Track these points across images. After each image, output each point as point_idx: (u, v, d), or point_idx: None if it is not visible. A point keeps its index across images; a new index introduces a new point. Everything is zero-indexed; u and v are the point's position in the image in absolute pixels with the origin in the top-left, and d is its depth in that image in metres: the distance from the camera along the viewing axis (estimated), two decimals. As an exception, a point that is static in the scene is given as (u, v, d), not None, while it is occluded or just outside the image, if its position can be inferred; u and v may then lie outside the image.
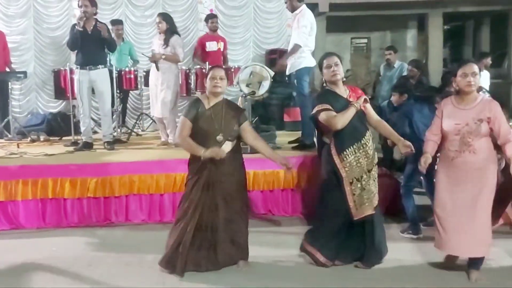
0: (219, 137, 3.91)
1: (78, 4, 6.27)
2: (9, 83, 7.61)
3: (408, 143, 4.01)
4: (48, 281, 4.02)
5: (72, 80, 6.79)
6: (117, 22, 8.41)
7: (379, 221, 4.16)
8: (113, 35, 7.19)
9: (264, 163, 5.45)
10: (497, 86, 9.76)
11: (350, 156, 3.98)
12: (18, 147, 6.57)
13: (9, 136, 7.52)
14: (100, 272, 4.16)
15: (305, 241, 4.29)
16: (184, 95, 7.66)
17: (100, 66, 6.33)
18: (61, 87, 7.34)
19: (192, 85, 7.44)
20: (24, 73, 7.94)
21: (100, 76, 6.35)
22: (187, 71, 7.51)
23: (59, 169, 5.37)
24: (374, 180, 4.07)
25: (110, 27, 7.12)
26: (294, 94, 6.45)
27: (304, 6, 5.96)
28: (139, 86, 8.05)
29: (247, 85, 6.19)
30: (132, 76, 7.69)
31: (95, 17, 6.34)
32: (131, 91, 8.62)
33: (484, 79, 6.44)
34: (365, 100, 4.11)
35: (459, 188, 3.79)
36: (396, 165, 6.54)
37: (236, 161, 4.05)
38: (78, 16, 6.31)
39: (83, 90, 6.29)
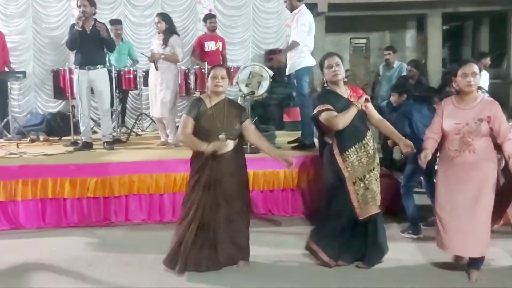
0: (221, 136, 3.91)
1: (77, 4, 6.26)
2: (8, 83, 7.60)
3: (409, 142, 4.01)
4: (48, 281, 4.02)
5: (71, 80, 6.78)
6: (116, 22, 8.39)
7: (381, 220, 4.17)
8: (112, 35, 7.18)
9: (264, 163, 5.46)
10: (496, 86, 9.77)
11: (352, 156, 3.99)
12: (17, 147, 6.57)
13: (9, 136, 7.51)
14: (100, 272, 4.15)
15: (310, 240, 4.30)
16: (184, 95, 7.66)
17: (99, 66, 6.32)
18: (60, 87, 7.34)
19: (192, 85, 7.43)
20: (23, 73, 7.93)
21: (99, 76, 6.34)
22: (186, 71, 7.51)
23: (59, 169, 5.37)
24: (376, 180, 4.07)
25: (109, 27, 7.09)
26: (294, 94, 6.43)
27: (303, 6, 5.96)
28: (138, 86, 8.04)
29: (247, 85, 6.19)
30: (131, 76, 7.68)
31: (94, 17, 6.33)
32: (130, 91, 8.60)
33: (483, 79, 6.44)
34: (366, 100, 4.12)
35: (459, 188, 3.79)
36: (396, 165, 6.56)
37: (238, 160, 4.05)
38: (77, 16, 6.30)
39: (82, 90, 6.29)
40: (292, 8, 6.00)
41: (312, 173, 5.53)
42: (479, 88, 4.06)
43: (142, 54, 7.55)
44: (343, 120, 3.94)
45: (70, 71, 6.85)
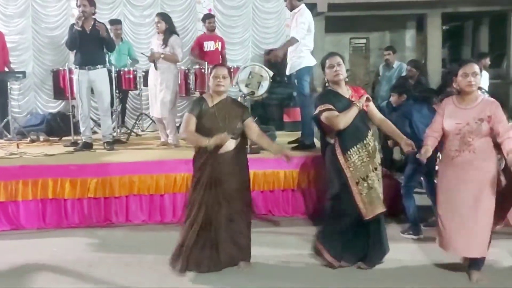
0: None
1: (77, 3, 6.26)
2: (8, 83, 7.59)
3: (410, 141, 4.01)
4: (49, 282, 4.02)
5: (71, 80, 6.78)
6: (115, 22, 8.39)
7: (383, 220, 4.17)
8: (111, 35, 7.18)
9: (264, 163, 5.47)
10: (496, 87, 9.77)
11: (354, 155, 3.99)
12: (17, 147, 6.57)
13: (9, 136, 7.51)
14: (101, 272, 4.15)
15: (317, 240, 4.32)
16: (184, 95, 7.67)
17: (99, 66, 6.32)
18: (60, 87, 7.34)
19: (191, 85, 7.44)
20: (23, 73, 7.92)
21: (99, 76, 6.34)
22: (186, 71, 7.51)
23: (59, 169, 5.37)
24: (379, 180, 4.07)
25: (108, 26, 7.09)
26: (295, 94, 6.42)
27: (303, 5, 5.95)
28: (138, 86, 8.03)
29: (246, 85, 6.18)
30: (131, 76, 7.68)
31: (93, 16, 6.33)
32: (130, 91, 8.60)
33: (484, 79, 6.44)
34: (367, 99, 4.11)
35: (459, 188, 3.79)
36: (396, 166, 6.56)
37: (239, 160, 4.04)
38: (76, 16, 6.29)
39: (82, 90, 6.28)
40: (292, 8, 5.99)
41: (313, 173, 5.53)
42: (479, 88, 4.05)
43: (142, 54, 7.54)
44: (344, 119, 3.94)
45: (70, 71, 6.85)
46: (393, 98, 5.91)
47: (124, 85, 7.66)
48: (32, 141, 7.30)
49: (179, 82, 7.08)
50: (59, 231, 5.19)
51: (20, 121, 8.37)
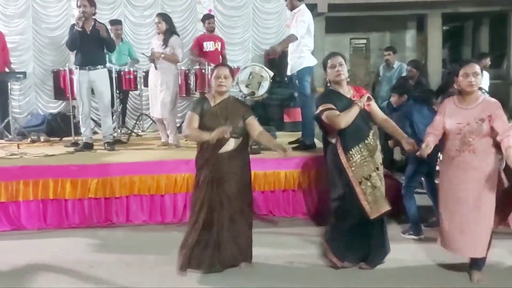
0: (227, 135, 3.90)
1: (77, 4, 6.26)
2: (9, 84, 7.59)
3: (411, 140, 4.02)
4: (50, 282, 4.02)
5: (71, 80, 6.78)
6: (116, 22, 8.39)
7: (386, 220, 4.18)
8: (112, 35, 7.18)
9: (265, 164, 5.47)
10: (496, 87, 9.76)
11: (356, 155, 3.98)
12: (18, 147, 6.57)
13: (9, 136, 7.51)
14: (101, 272, 4.16)
15: (324, 241, 4.33)
16: (184, 95, 7.68)
17: (99, 66, 6.32)
18: (61, 88, 7.35)
19: (192, 86, 7.44)
20: (24, 73, 7.91)
21: (100, 77, 6.34)
22: (187, 71, 7.52)
23: (60, 169, 5.36)
24: (381, 180, 4.07)
25: (109, 27, 7.10)
26: (296, 94, 6.41)
27: (303, 6, 5.95)
28: (138, 87, 8.04)
29: (247, 86, 6.19)
30: (131, 76, 7.68)
31: (94, 17, 6.33)
32: (130, 92, 8.61)
33: (484, 80, 6.44)
34: (368, 99, 4.11)
35: (459, 188, 3.80)
36: (396, 166, 6.56)
37: (241, 160, 4.03)
38: (77, 16, 6.29)
39: (83, 90, 6.28)
40: (292, 8, 5.99)
41: (314, 173, 5.53)
42: (480, 88, 4.05)
43: (142, 54, 7.55)
44: (345, 119, 3.94)
45: (70, 72, 6.85)
46: (394, 99, 5.90)
47: (125, 86, 7.66)
48: (33, 141, 7.31)
49: (180, 83, 7.08)
50: (59, 232, 5.19)
51: (21, 121, 8.37)
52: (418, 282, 3.93)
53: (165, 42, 6.47)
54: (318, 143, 6.09)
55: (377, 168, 4.06)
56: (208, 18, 8.37)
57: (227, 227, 3.96)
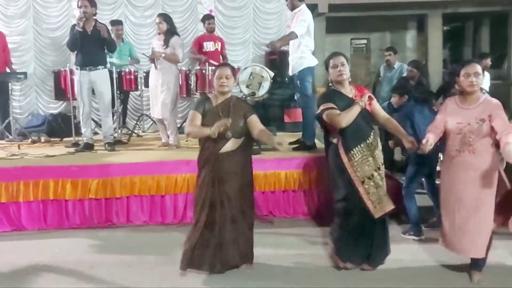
0: (227, 134, 3.90)
1: (78, 4, 6.26)
2: (10, 84, 7.60)
3: (412, 138, 4.03)
4: (50, 282, 4.02)
5: (72, 81, 6.79)
6: (116, 23, 8.41)
7: (388, 220, 4.19)
8: (112, 35, 7.19)
9: (265, 164, 5.47)
10: (496, 87, 9.76)
11: (357, 155, 3.98)
12: (19, 148, 6.58)
13: (10, 137, 7.51)
14: (102, 273, 4.16)
15: (331, 241, 4.34)
16: (184, 96, 7.68)
17: (100, 66, 6.33)
18: (61, 88, 7.35)
19: (192, 86, 7.44)
20: (24, 74, 7.91)
21: (100, 77, 6.34)
22: (187, 72, 7.52)
23: (60, 170, 5.37)
24: (382, 180, 4.07)
25: (109, 27, 7.11)
26: (297, 95, 6.40)
27: (303, 6, 5.95)
28: (139, 87, 8.03)
29: (247, 86, 6.20)
30: (132, 77, 7.68)
31: (94, 17, 6.34)
32: (131, 92, 8.61)
33: (485, 80, 6.44)
34: (370, 98, 4.11)
35: (460, 188, 3.80)
36: (397, 166, 6.56)
37: (242, 160, 4.02)
38: (77, 17, 6.29)
39: (83, 91, 6.29)
40: (292, 7, 5.99)
41: (314, 174, 5.53)
42: (480, 89, 4.05)
43: (143, 54, 7.54)
44: (346, 118, 3.93)
45: (71, 72, 6.85)
46: (394, 99, 5.90)
47: (125, 86, 7.67)
48: (33, 142, 7.31)
49: (180, 83, 7.08)
50: (60, 232, 5.20)
51: (21, 122, 8.37)
52: (419, 283, 3.93)
53: (166, 43, 6.46)
54: (319, 144, 6.09)
55: (379, 168, 4.06)
56: (208, 18, 8.37)
57: (229, 227, 3.95)
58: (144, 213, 5.43)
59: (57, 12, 9.39)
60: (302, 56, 5.91)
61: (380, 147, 4.14)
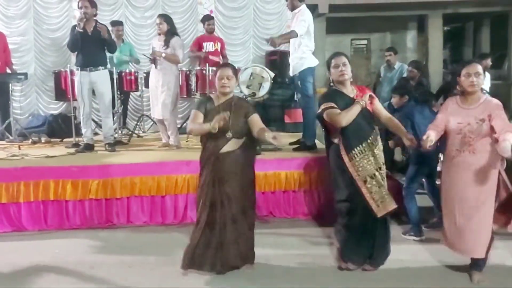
0: (228, 135, 3.90)
1: (78, 5, 6.28)
2: (10, 85, 7.60)
3: (411, 136, 4.04)
4: (51, 283, 4.02)
5: (72, 81, 6.79)
6: (117, 23, 8.42)
7: (389, 220, 4.19)
8: (113, 36, 7.19)
9: (265, 165, 5.47)
10: (497, 88, 9.77)
11: (359, 155, 3.98)
12: (19, 148, 6.57)
13: (10, 137, 7.51)
14: (102, 273, 4.16)
15: (336, 242, 4.35)
16: (185, 96, 7.68)
17: (100, 67, 6.33)
18: (62, 89, 7.35)
19: (193, 87, 7.44)
20: (25, 74, 7.91)
21: (101, 78, 6.35)
22: (188, 72, 7.52)
23: (61, 171, 5.37)
24: (383, 179, 4.07)
25: (110, 28, 7.11)
26: (298, 96, 6.40)
27: (303, 6, 5.95)
28: (139, 88, 8.03)
29: (248, 87, 6.19)
30: (132, 77, 7.69)
31: (95, 18, 6.34)
32: (131, 93, 8.62)
33: (485, 80, 6.45)
34: (371, 97, 4.11)
35: (460, 188, 3.81)
36: (397, 167, 6.55)
37: (243, 160, 4.01)
38: (78, 18, 6.29)
39: (84, 91, 6.29)
40: (293, 8, 6.00)
41: (314, 174, 5.53)
42: (481, 89, 4.05)
43: (144, 55, 7.54)
44: (347, 117, 3.93)
45: (72, 73, 6.86)
46: (395, 100, 5.89)
47: (126, 87, 7.67)
48: (34, 142, 7.31)
49: (180, 84, 7.09)
50: (60, 233, 5.20)
51: (22, 122, 8.36)
52: (419, 283, 3.93)
53: (166, 43, 6.46)
54: (319, 144, 6.10)
55: (380, 168, 4.06)
56: (207, 19, 8.38)
57: (229, 227, 3.95)
58: (145, 213, 5.43)
59: (58, 13, 9.39)
60: (302, 57, 5.92)
61: (381, 147, 4.13)
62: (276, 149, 6.02)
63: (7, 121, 7.58)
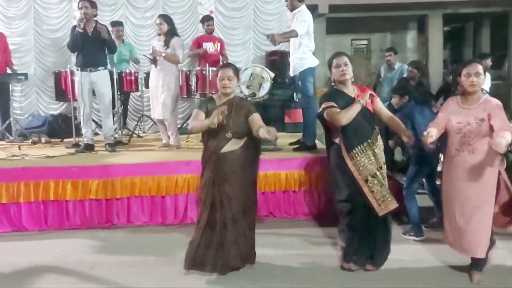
0: (228, 135, 3.91)
1: (78, 5, 6.29)
2: (10, 85, 7.61)
3: (409, 133, 4.09)
4: (51, 283, 4.02)
5: (72, 82, 6.80)
6: (117, 24, 8.44)
7: (391, 220, 4.20)
8: (113, 36, 7.20)
9: (265, 165, 5.45)
10: (497, 88, 9.77)
11: (360, 154, 3.98)
12: (19, 149, 6.58)
13: (11, 138, 7.53)
14: (102, 273, 4.16)
15: (340, 241, 4.35)
16: (185, 96, 7.68)
17: (100, 67, 6.34)
18: (62, 89, 7.36)
19: (193, 87, 7.44)
20: (25, 75, 7.94)
21: (101, 78, 6.36)
22: (188, 72, 7.52)
23: (61, 171, 5.37)
24: (384, 179, 4.07)
25: (110, 28, 7.12)
26: (299, 96, 6.40)
27: (303, 6, 5.95)
28: (139, 88, 8.03)
29: (248, 87, 6.20)
30: (132, 78, 7.69)
31: (95, 18, 6.35)
32: (132, 93, 8.62)
33: (486, 80, 6.44)
34: (372, 95, 4.11)
35: (459, 188, 3.81)
36: (397, 167, 6.55)
37: (243, 160, 3.99)
38: (78, 18, 6.30)
39: (84, 91, 6.30)
40: (292, 8, 6.00)
41: (314, 174, 5.52)
42: (481, 90, 4.05)
43: (144, 55, 7.55)
44: (346, 115, 3.93)
45: (72, 73, 6.87)
46: (395, 100, 5.88)
47: (126, 87, 7.68)
48: (34, 142, 7.32)
49: (181, 84, 7.09)
50: (60, 233, 5.20)
51: (22, 123, 8.38)
52: (419, 283, 3.93)
53: (166, 43, 6.46)
54: (319, 144, 6.10)
55: (381, 168, 4.06)
56: (207, 20, 8.39)
57: (230, 227, 3.94)
58: (145, 213, 5.43)
59: (58, 13, 9.41)
60: (303, 57, 5.92)
61: (382, 146, 4.13)
62: (276, 149, 6.03)
63: (7, 122, 7.60)
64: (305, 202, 5.57)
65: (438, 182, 4.83)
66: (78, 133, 6.91)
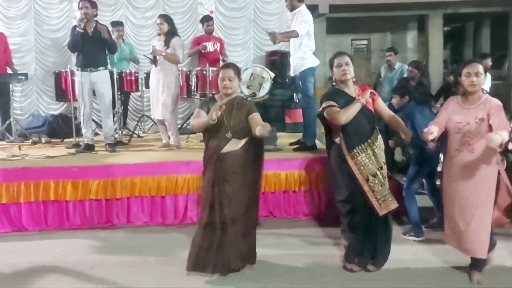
0: (228, 135, 3.91)
1: (79, 6, 6.29)
2: (10, 85, 7.61)
3: (407, 130, 4.09)
4: (51, 283, 4.02)
5: (73, 82, 6.81)
6: (117, 24, 8.43)
7: (391, 219, 4.20)
8: (113, 36, 7.19)
9: (265, 165, 5.40)
10: (497, 88, 9.76)
11: (360, 154, 3.98)
12: (19, 149, 6.57)
13: (11, 138, 7.52)
14: (102, 273, 4.16)
15: (344, 240, 4.36)
16: (185, 96, 7.68)
17: (100, 67, 6.34)
18: (62, 89, 7.35)
19: (193, 87, 7.44)
20: (25, 75, 7.93)
21: (101, 78, 6.36)
22: (188, 72, 7.52)
23: (61, 171, 5.37)
24: (384, 179, 4.07)
25: (110, 28, 7.12)
26: (299, 96, 6.40)
27: (303, 6, 5.95)
28: (140, 88, 8.03)
29: (248, 87, 6.21)
30: (132, 78, 7.69)
31: (95, 18, 6.35)
32: (132, 93, 8.62)
33: (486, 80, 6.44)
34: (372, 94, 4.11)
35: (459, 188, 3.81)
36: (397, 167, 6.55)
37: (244, 160, 3.98)
38: (78, 18, 6.30)
39: (84, 92, 6.30)
40: (292, 8, 6.00)
41: (314, 174, 5.52)
42: (481, 90, 4.05)
43: (144, 56, 7.55)
44: (346, 114, 3.94)
45: (72, 73, 6.87)
46: (395, 100, 5.87)
47: (126, 87, 7.68)
48: (34, 143, 7.32)
49: (181, 84, 7.09)
50: (60, 233, 5.20)
51: (22, 123, 8.37)
52: (419, 283, 3.93)
53: (167, 43, 6.46)
54: (319, 144, 6.10)
55: (381, 167, 4.06)
56: (207, 20, 8.39)
57: (230, 227, 3.93)
58: (145, 213, 5.43)
59: (58, 13, 9.39)
60: (303, 57, 5.92)
61: (382, 146, 4.13)
62: (276, 149, 6.02)
63: (7, 122, 7.59)
64: (305, 202, 5.57)
65: (438, 182, 4.83)
66: (78, 133, 6.90)
